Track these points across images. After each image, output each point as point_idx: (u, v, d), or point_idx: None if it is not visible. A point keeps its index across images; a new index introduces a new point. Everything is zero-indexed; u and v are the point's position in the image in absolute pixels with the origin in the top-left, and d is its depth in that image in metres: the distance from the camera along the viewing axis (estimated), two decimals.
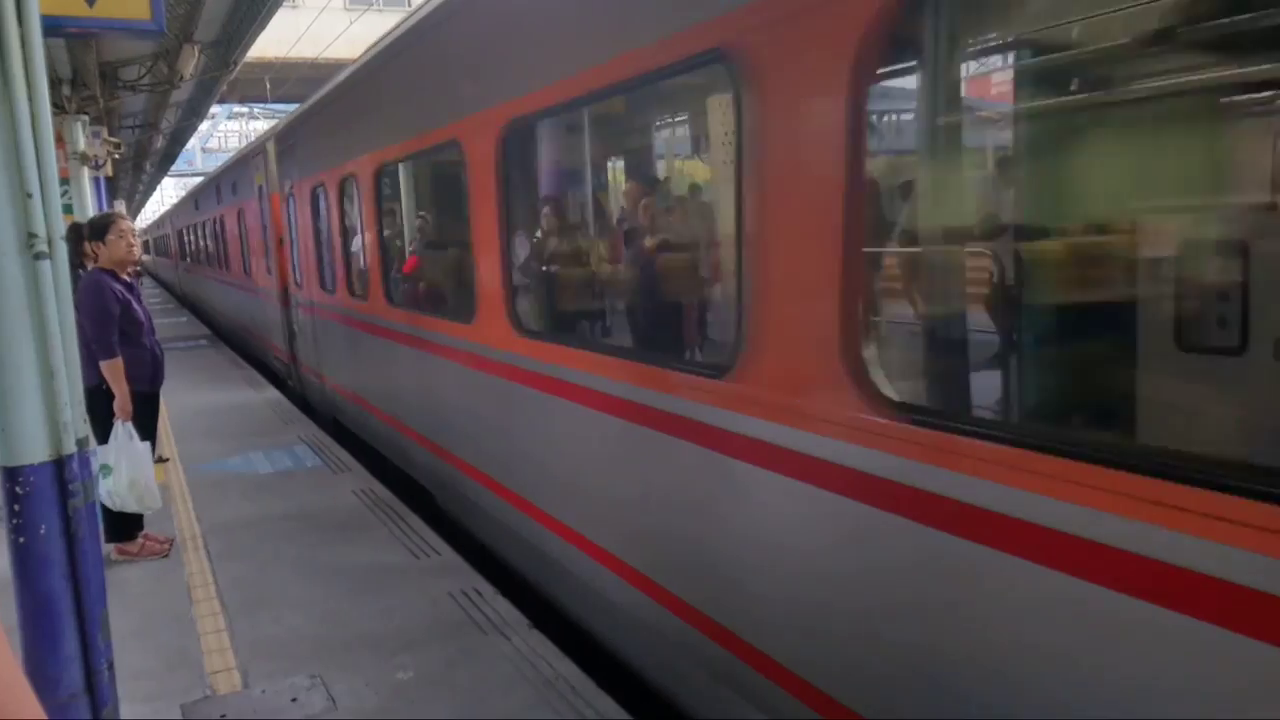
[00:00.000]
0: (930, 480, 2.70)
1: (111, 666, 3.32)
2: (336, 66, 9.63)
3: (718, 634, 3.73)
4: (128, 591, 5.61)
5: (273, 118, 28.87)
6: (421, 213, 8.29)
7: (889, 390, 2.90)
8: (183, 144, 31.78)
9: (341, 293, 9.23)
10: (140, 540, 6.24)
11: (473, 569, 5.75)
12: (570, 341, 5.09)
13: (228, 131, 46.83)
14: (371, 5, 27.63)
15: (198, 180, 29.83)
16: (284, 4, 14.16)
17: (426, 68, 6.46)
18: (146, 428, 6.11)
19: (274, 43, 24.58)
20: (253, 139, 18.95)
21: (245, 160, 13.72)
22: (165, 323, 22.33)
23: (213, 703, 4.31)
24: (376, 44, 7.49)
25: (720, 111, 4.30)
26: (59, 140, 13.95)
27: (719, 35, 3.38)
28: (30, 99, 2.88)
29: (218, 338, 19.87)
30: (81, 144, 13.95)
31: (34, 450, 3.00)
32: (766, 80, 3.19)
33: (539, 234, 6.23)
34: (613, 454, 4.50)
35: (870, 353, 2.95)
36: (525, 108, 4.95)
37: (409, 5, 22.92)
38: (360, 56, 8.18)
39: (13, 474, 2.98)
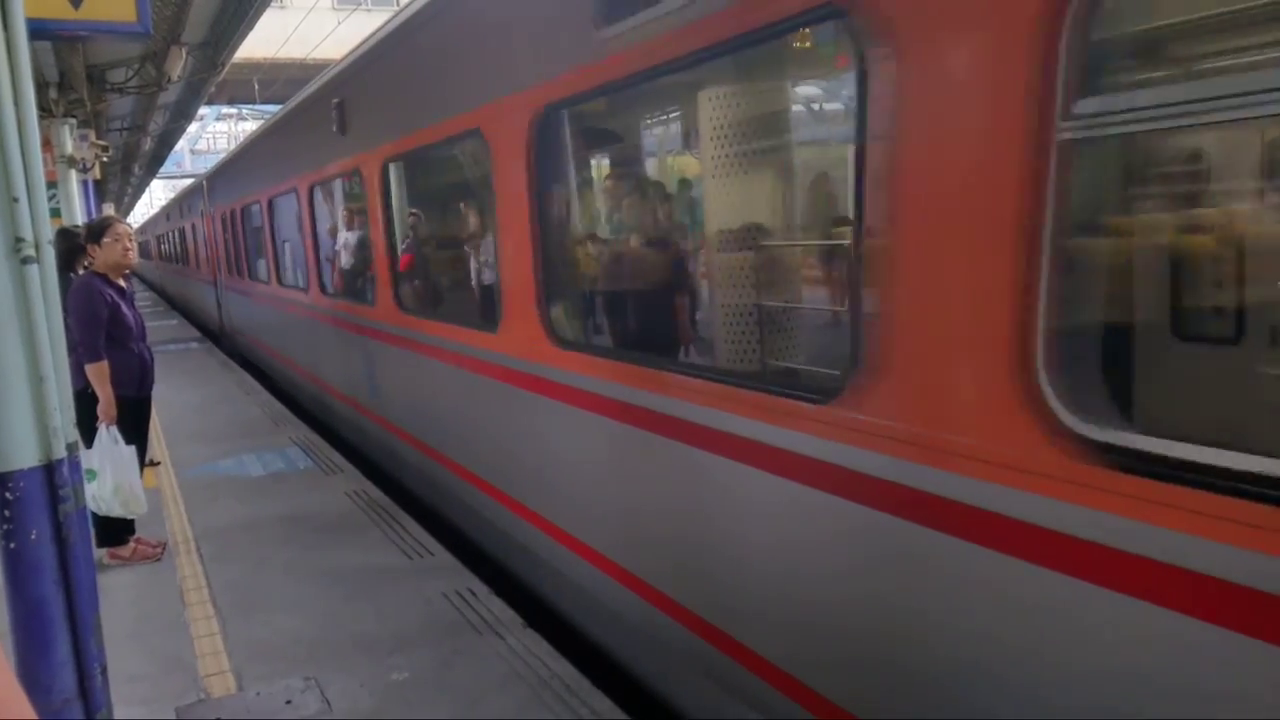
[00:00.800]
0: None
1: (105, 671, 3.31)
2: (325, 66, 9.57)
3: None
4: (120, 595, 5.60)
5: (261, 118, 28.80)
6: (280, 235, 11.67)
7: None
8: (171, 146, 31.68)
9: (244, 275, 14.65)
10: (132, 544, 6.23)
11: (466, 569, 5.74)
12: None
13: (216, 133, 46.69)
14: (359, 5, 27.57)
15: (188, 182, 29.79)
16: (271, 5, 14.13)
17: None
18: (136, 432, 6.09)
19: (262, 43, 24.51)
20: (242, 139, 19.05)
21: (191, 192, 20.60)
22: (156, 325, 22.26)
23: (207, 706, 4.30)
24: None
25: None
26: (46, 144, 13.91)
27: None
28: (16, 103, 2.87)
29: (172, 307, 28.63)
30: (69, 147, 13.91)
31: (23, 455, 2.99)
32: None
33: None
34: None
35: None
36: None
37: (397, 4, 22.86)
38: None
39: (2, 479, 2.97)
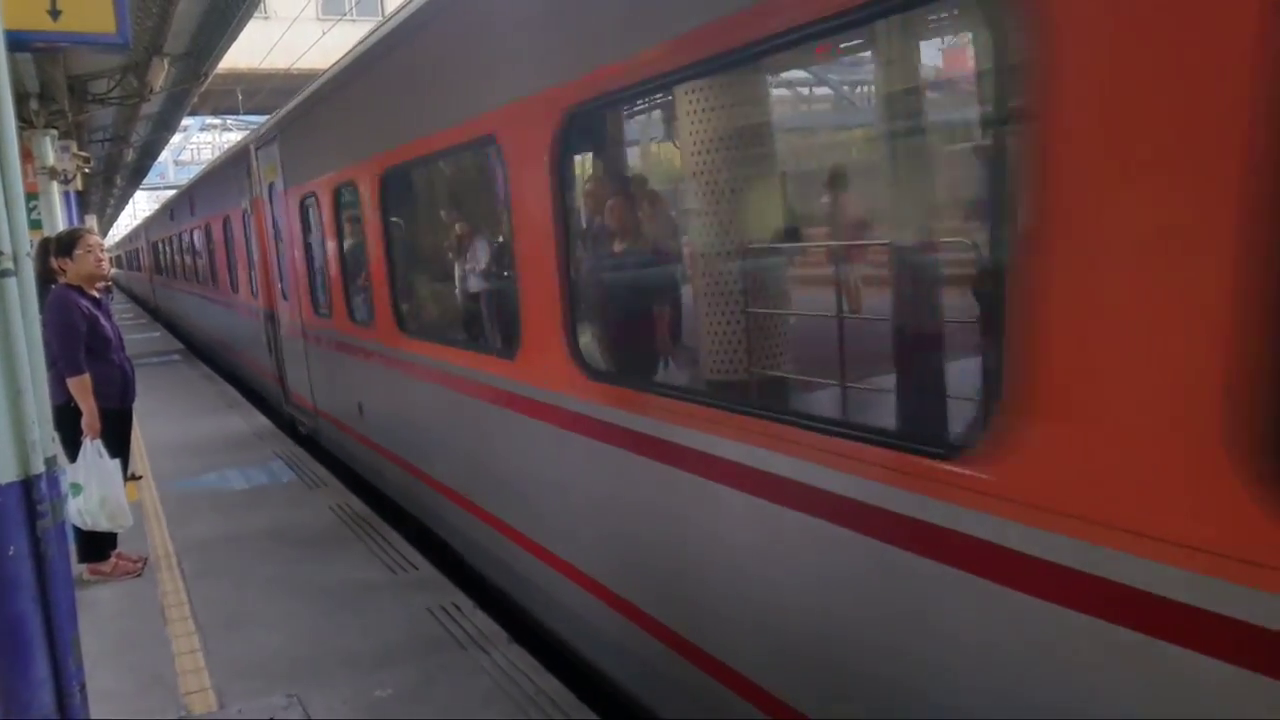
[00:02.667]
0: None
1: (84, 689, 3.26)
2: (310, 77, 9.50)
3: None
4: (100, 612, 5.53)
5: (245, 129, 28.70)
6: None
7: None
8: (154, 157, 31.53)
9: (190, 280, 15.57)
10: (113, 560, 6.16)
11: (451, 583, 5.70)
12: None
13: (200, 144, 46.49)
14: (344, 16, 27.54)
15: (171, 193, 29.69)
16: (255, 15, 14.09)
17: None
18: (119, 445, 6.03)
19: (246, 54, 24.42)
20: (225, 149, 18.90)
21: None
22: (137, 338, 22.13)
23: None
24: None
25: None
26: (27, 155, 13.79)
27: None
28: None
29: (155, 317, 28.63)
30: (50, 158, 13.81)
31: (1, 470, 2.94)
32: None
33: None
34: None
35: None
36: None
37: (381, 14, 22.84)
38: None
39: None
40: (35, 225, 13.42)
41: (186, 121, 31.68)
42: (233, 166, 12.77)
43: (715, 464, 3.39)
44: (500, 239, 5.64)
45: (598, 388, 4.09)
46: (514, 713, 4.15)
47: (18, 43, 5.18)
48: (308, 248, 8.94)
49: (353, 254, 7.69)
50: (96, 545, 6.07)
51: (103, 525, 5.74)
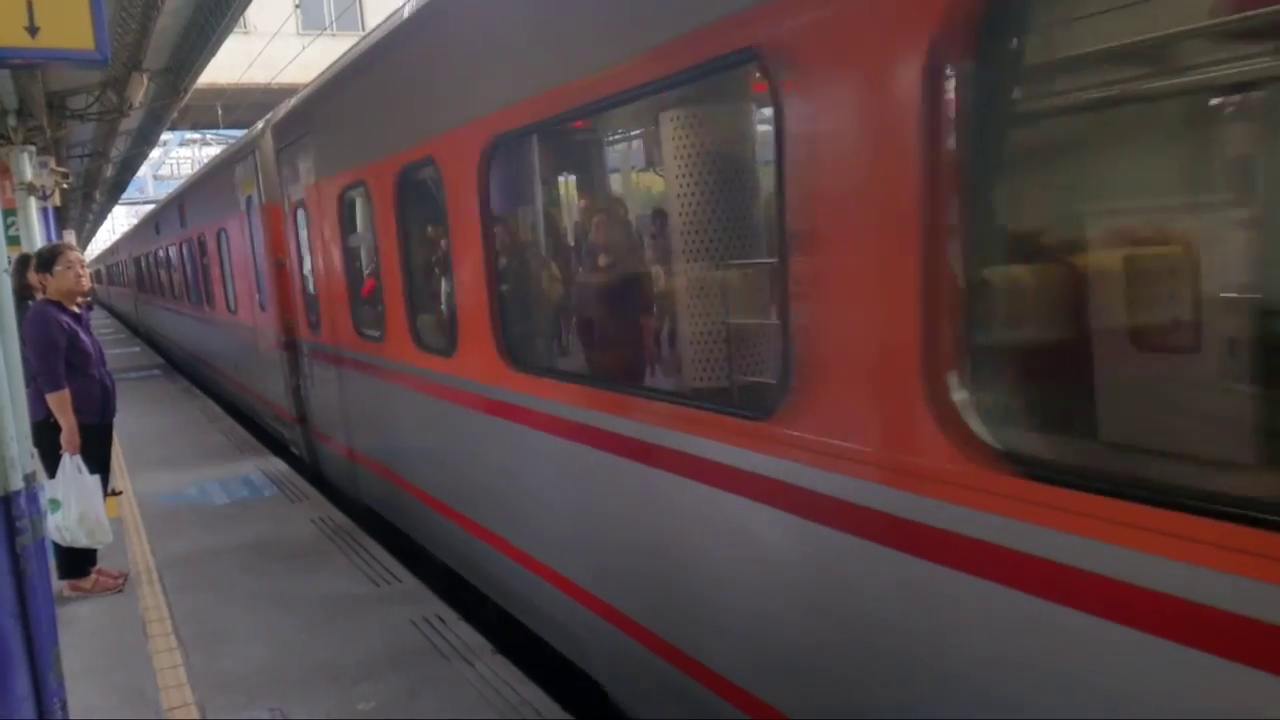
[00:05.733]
0: None
1: (65, 706, 3.25)
2: (290, 92, 9.46)
3: None
4: (81, 628, 5.51)
5: (225, 143, 28.64)
6: None
7: None
8: (133, 172, 31.38)
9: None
10: (93, 575, 6.13)
11: (435, 595, 5.70)
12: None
13: (180, 158, 46.29)
14: (324, 30, 27.54)
15: (150, 208, 29.54)
16: (235, 30, 14.07)
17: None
18: (99, 460, 6.01)
19: (225, 69, 24.36)
20: (204, 163, 18.80)
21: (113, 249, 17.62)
22: (118, 353, 22.01)
23: None
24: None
25: None
26: (4, 171, 13.75)
27: None
28: None
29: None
30: (28, 174, 13.75)
31: None
32: None
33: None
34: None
35: None
36: None
37: (362, 29, 22.86)
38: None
39: None
40: (13, 241, 13.37)
41: (166, 136, 31.54)
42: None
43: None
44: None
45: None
46: None
47: None
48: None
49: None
50: (77, 561, 6.04)
51: (82, 541, 5.72)
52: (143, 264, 24.58)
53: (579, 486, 4.39)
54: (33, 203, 14.02)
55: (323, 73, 7.86)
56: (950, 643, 2.55)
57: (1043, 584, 2.26)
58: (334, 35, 26.81)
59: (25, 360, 5.84)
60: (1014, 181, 2.77)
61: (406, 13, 5.69)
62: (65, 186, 17.17)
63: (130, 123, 17.93)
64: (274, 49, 26.55)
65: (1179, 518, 1.98)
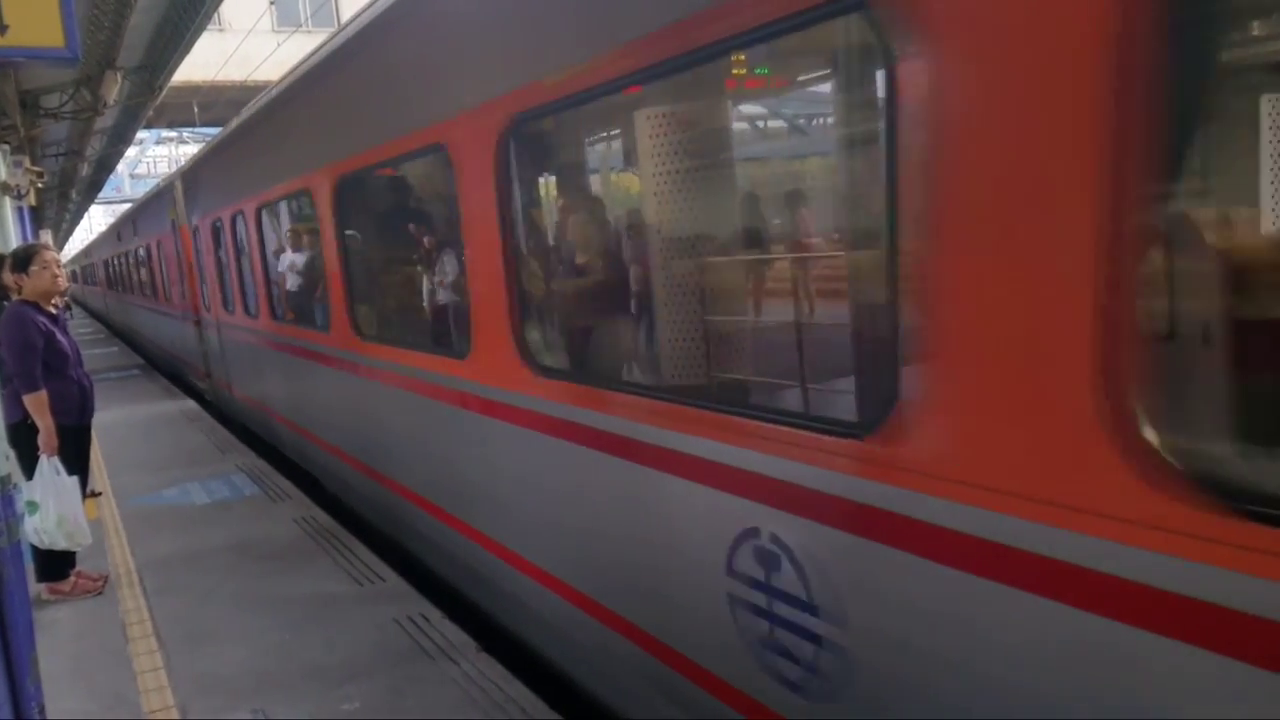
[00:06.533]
0: None
1: (43, 711, 3.22)
2: (265, 88, 9.44)
3: None
4: (60, 632, 5.45)
5: (202, 141, 28.43)
6: None
7: None
8: (110, 171, 31.18)
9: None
10: (72, 578, 6.07)
11: (419, 594, 5.67)
12: None
13: (157, 157, 45.96)
14: (300, 27, 27.37)
15: (126, 206, 29.36)
16: (209, 27, 13.97)
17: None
18: (77, 462, 5.95)
19: (200, 66, 24.20)
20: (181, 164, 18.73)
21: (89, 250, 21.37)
22: (96, 353, 21.85)
23: None
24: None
25: None
26: None
27: None
28: None
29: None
30: (2, 174, 13.62)
31: None
32: None
33: None
34: None
35: None
36: None
37: (337, 24, 22.72)
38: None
39: None
40: None
41: (142, 135, 31.33)
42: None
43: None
44: None
45: None
46: None
47: None
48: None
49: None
50: (55, 564, 5.98)
51: (60, 544, 5.67)
52: (108, 267, 29.97)
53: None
54: (7, 202, 13.89)
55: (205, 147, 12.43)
56: None
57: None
58: (309, 31, 26.66)
59: (1, 362, 5.80)
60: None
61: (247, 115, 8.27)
62: (40, 186, 17.01)
63: (105, 121, 17.81)
64: (249, 46, 26.39)
65: None
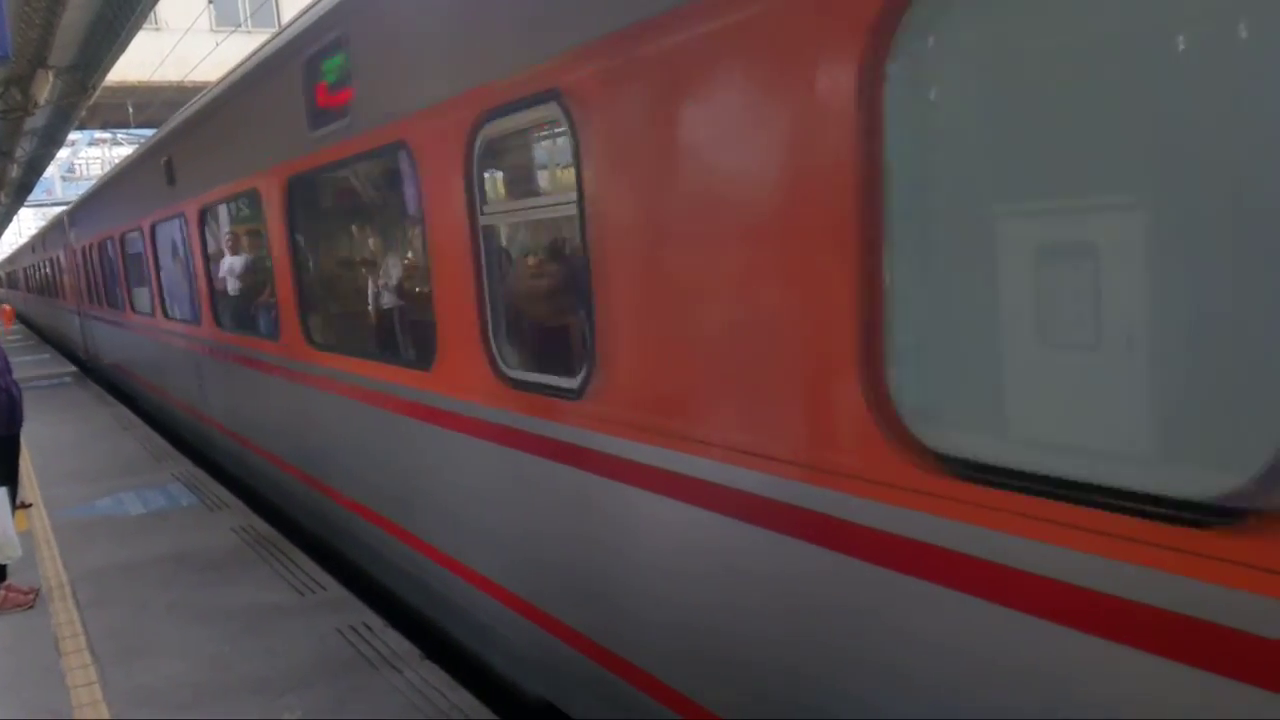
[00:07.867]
0: None
1: None
2: (203, 89, 9.28)
3: None
4: None
5: (136, 142, 27.89)
6: None
7: None
8: (40, 173, 30.48)
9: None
10: (2, 592, 5.92)
11: (361, 603, 5.61)
12: None
13: (89, 159, 44.98)
14: (239, 27, 26.96)
15: (57, 210, 28.74)
16: (145, 26, 13.72)
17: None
18: (6, 472, 5.82)
19: (136, 66, 23.71)
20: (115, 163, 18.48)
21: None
22: (25, 360, 21.31)
23: None
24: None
25: None
26: None
27: None
28: None
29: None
30: None
31: None
32: None
33: None
34: None
35: None
36: None
37: (278, 24, 22.41)
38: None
39: None
40: None
41: (74, 136, 30.65)
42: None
43: None
44: None
45: None
46: None
47: None
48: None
49: None
50: None
51: None
52: (26, 273, 35.73)
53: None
54: None
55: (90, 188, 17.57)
56: None
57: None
58: (249, 32, 26.28)
59: None
60: None
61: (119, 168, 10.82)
62: None
63: (36, 121, 17.41)
64: (186, 46, 25.92)
65: None
